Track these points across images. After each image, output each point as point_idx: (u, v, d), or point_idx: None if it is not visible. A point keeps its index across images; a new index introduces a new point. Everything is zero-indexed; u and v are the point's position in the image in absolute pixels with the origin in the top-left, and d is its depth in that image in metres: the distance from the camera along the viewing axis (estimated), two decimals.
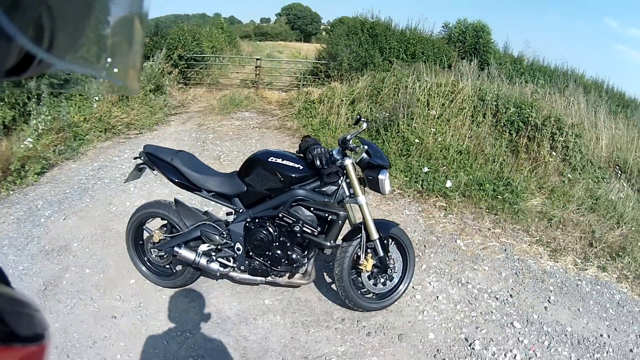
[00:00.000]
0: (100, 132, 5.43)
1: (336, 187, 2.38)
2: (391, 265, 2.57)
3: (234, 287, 2.76)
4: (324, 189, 2.38)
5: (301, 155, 2.40)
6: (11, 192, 3.81)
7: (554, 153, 5.53)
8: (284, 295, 2.73)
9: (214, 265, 2.47)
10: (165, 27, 10.20)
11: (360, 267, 2.49)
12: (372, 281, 2.57)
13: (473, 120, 6.04)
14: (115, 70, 0.31)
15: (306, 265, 2.50)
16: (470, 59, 8.61)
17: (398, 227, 2.64)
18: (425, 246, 3.52)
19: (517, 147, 5.68)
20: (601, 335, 2.74)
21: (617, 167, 5.92)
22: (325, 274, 2.98)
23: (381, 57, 9.34)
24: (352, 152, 2.42)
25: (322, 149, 2.30)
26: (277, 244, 2.38)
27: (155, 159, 2.47)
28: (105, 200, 3.78)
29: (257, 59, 10.70)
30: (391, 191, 3.42)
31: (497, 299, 2.96)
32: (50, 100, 5.04)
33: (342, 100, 6.92)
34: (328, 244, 2.34)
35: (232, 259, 2.50)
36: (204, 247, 2.46)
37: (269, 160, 2.35)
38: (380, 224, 2.54)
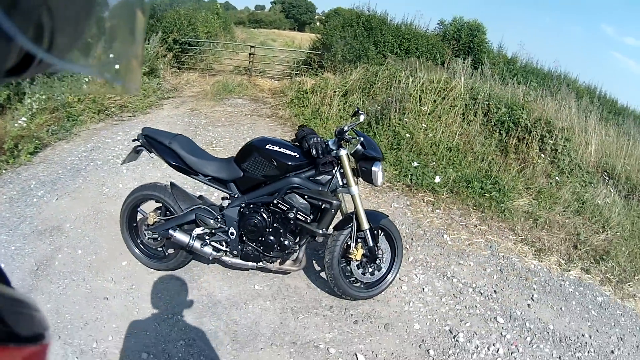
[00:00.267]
0: (94, 113, 5.38)
1: (330, 177, 2.44)
2: (380, 256, 2.64)
3: (225, 272, 2.80)
4: (318, 178, 2.43)
5: (297, 144, 2.45)
6: (4, 171, 3.77)
7: (542, 155, 5.63)
8: (274, 282, 2.79)
9: (207, 249, 2.51)
10: (161, 11, 10.03)
11: (350, 256, 2.55)
12: (360, 270, 2.64)
13: (464, 118, 6.12)
14: (117, 67, 0.32)
15: (297, 252, 2.56)
16: (464, 57, 8.68)
17: (388, 219, 2.71)
18: (412, 239, 3.60)
19: (506, 147, 5.78)
20: (583, 335, 2.83)
21: (605, 173, 6.03)
22: (314, 262, 3.04)
23: (375, 51, 9.37)
24: (348, 143, 2.47)
25: (318, 139, 2.35)
26: (270, 229, 2.43)
27: (153, 142, 2.49)
28: (98, 181, 3.77)
29: (251, 46, 10.57)
30: (383, 183, 3.49)
31: (481, 293, 3.05)
32: (43, 80, 4.96)
33: (335, 92, 6.92)
34: (320, 231, 2.40)
35: (225, 244, 2.55)
36: (198, 231, 2.50)
37: (266, 147, 2.39)
38: (371, 215, 2.60)
